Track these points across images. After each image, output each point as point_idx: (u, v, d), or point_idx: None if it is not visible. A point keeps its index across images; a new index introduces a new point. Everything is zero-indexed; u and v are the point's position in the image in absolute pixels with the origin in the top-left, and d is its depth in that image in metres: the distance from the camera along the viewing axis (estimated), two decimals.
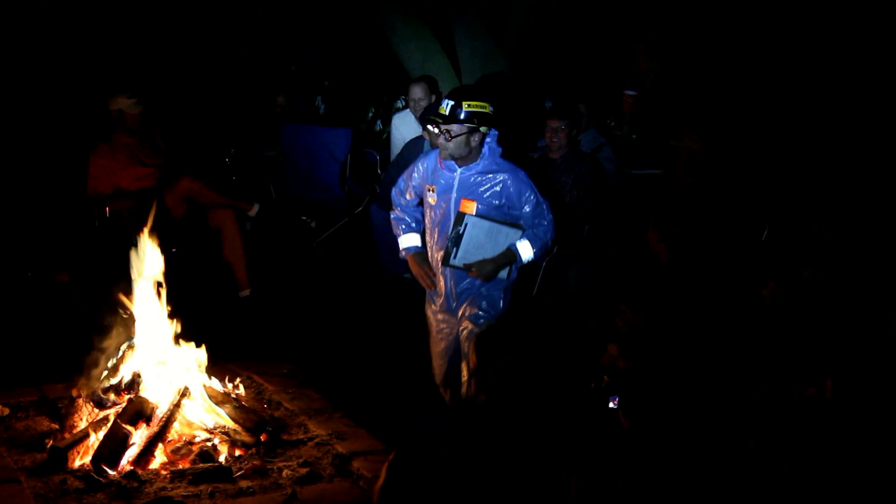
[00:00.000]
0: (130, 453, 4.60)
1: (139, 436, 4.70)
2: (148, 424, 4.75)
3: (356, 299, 7.63)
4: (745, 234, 5.80)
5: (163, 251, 5.02)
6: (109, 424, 4.73)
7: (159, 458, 4.68)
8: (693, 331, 4.20)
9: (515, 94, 8.78)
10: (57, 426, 4.94)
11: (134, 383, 5.03)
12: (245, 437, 4.86)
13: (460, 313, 5.02)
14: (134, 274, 4.98)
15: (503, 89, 8.56)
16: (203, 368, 5.18)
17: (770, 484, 3.42)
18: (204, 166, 8.25)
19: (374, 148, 9.60)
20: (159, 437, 4.73)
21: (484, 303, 4.95)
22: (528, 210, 4.82)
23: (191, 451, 4.73)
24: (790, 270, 4.67)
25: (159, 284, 5.02)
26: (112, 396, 4.99)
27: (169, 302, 5.07)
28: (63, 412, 5.03)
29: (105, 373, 5.05)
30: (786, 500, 3.42)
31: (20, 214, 7.56)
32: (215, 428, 4.89)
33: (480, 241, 4.74)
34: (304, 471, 4.57)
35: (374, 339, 6.71)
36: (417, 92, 7.70)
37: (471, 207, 4.76)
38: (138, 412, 4.76)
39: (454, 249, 4.76)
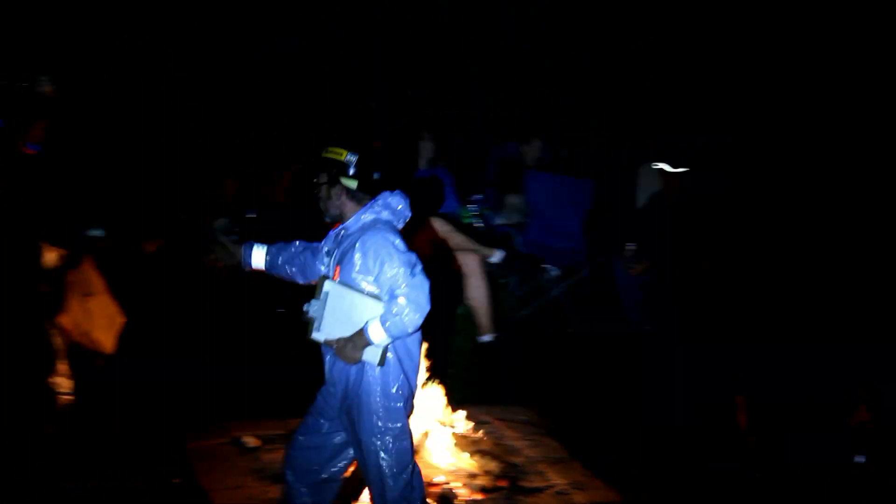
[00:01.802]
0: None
1: None
2: None
3: (596, 348, 7.54)
4: None
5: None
6: (354, 462, 4.89)
7: None
8: None
9: None
10: None
11: None
12: (484, 482, 4.90)
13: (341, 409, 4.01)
14: None
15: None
16: (445, 411, 5.28)
17: None
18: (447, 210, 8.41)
19: None
20: None
21: (366, 415, 3.89)
22: (384, 277, 3.78)
23: (430, 493, 4.78)
24: None
25: None
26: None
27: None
28: None
29: None
30: None
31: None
32: (456, 471, 4.97)
33: (344, 313, 3.85)
34: None
35: (613, 390, 6.60)
36: None
37: (337, 274, 3.97)
38: None
39: (315, 321, 3.91)
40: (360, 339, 3.75)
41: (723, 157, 7.01)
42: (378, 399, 3.84)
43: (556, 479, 5.00)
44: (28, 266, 4.87)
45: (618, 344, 7.39)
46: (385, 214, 3.95)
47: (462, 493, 4.82)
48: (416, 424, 5.03)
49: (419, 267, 3.79)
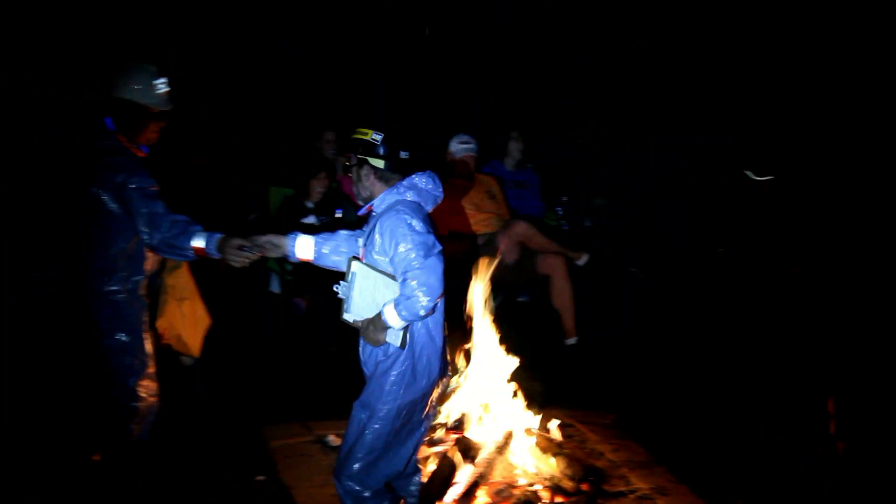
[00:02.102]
0: (455, 492, 4.71)
1: (463, 475, 4.82)
2: (473, 464, 4.87)
3: (682, 351, 7.42)
4: None
5: (495, 295, 5.14)
6: (437, 462, 4.92)
7: (482, 498, 4.75)
8: None
9: None
10: None
11: (462, 422, 5.21)
12: (567, 486, 4.86)
13: None
14: (472, 314, 5.14)
15: None
16: (529, 413, 5.26)
17: None
18: (536, 212, 8.38)
19: None
20: (483, 478, 4.82)
21: (370, 387, 3.96)
22: (398, 258, 3.75)
23: (512, 495, 4.77)
24: None
25: (494, 327, 5.17)
26: (439, 434, 5.18)
27: (502, 343, 5.18)
28: None
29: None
30: None
31: None
32: (538, 474, 4.94)
33: (370, 294, 3.86)
34: None
35: (699, 395, 6.47)
36: None
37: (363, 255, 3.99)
38: (464, 451, 4.91)
39: (344, 301, 3.95)
40: (379, 321, 3.75)
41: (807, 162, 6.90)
42: (377, 375, 3.88)
43: (640, 484, 4.95)
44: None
45: (702, 346, 7.28)
46: (410, 195, 3.91)
47: (544, 496, 4.78)
48: (499, 426, 5.03)
49: (437, 249, 3.75)
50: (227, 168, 8.68)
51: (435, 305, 3.73)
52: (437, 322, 3.95)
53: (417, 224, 3.77)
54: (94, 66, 8.02)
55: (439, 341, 3.98)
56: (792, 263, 6.85)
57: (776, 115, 8.97)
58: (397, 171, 3.95)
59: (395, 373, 3.86)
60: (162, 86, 4.66)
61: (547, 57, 10.09)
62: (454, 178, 7.66)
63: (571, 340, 7.39)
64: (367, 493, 3.93)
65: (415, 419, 4.00)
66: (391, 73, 10.04)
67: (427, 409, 4.04)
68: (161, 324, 4.89)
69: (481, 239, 7.43)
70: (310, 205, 7.11)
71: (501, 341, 5.17)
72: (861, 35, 8.52)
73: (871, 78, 8.21)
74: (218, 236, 4.33)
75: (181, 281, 4.97)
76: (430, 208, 3.98)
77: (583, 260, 7.59)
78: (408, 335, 3.81)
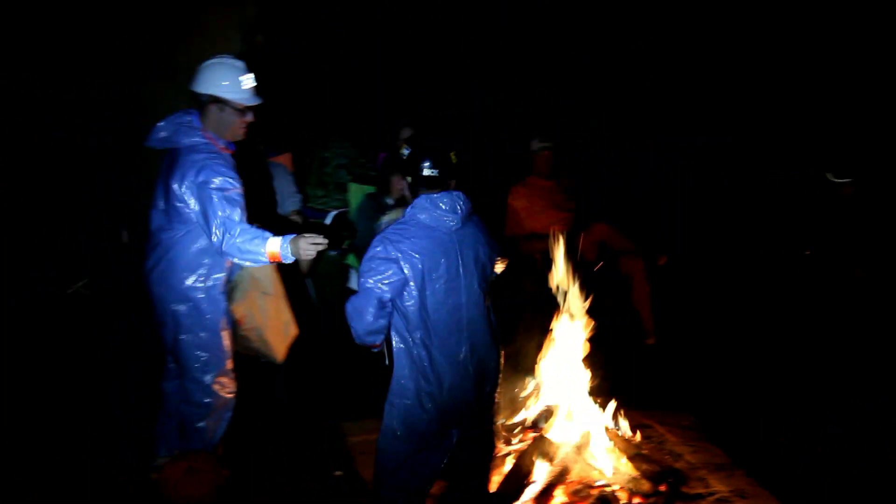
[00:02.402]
0: (532, 491, 4.71)
1: (541, 474, 4.81)
2: (551, 463, 4.86)
3: (762, 353, 7.32)
4: None
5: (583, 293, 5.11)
6: (515, 461, 4.95)
7: (559, 498, 4.75)
8: None
9: None
10: None
11: (540, 422, 5.22)
12: (644, 487, 4.84)
13: None
14: (560, 314, 5.13)
15: None
16: (608, 414, 5.25)
17: None
18: (616, 213, 8.33)
19: None
20: (560, 477, 4.80)
21: None
22: None
23: (590, 495, 4.75)
24: None
25: (577, 326, 5.16)
26: (517, 433, 5.20)
27: (581, 344, 5.15)
28: None
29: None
30: None
31: None
32: (615, 474, 4.93)
33: None
34: None
35: (780, 397, 6.38)
36: None
37: None
38: (543, 451, 4.90)
39: None
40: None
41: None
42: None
43: (718, 487, 4.91)
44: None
45: (784, 347, 7.17)
46: (423, 216, 4.03)
47: (621, 496, 4.76)
48: (577, 426, 5.03)
49: (369, 281, 3.98)
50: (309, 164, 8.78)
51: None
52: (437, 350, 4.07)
53: (378, 251, 3.96)
54: (95, 66, 8.10)
55: (443, 374, 4.10)
56: (856, 265, 6.74)
57: (775, 114, 8.89)
58: (420, 187, 4.04)
59: (395, 385, 4.21)
60: (249, 81, 4.69)
61: (547, 57, 10.04)
62: (534, 176, 7.64)
63: (650, 341, 7.36)
64: None
65: None
66: (391, 73, 10.01)
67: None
68: (239, 310, 4.92)
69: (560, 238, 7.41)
70: (390, 201, 7.19)
71: (580, 341, 5.16)
72: (861, 35, 8.36)
73: (869, 78, 8.07)
74: (290, 237, 4.38)
75: (266, 274, 4.99)
76: (445, 230, 4.03)
77: (663, 261, 7.55)
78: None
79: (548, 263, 5.14)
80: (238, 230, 4.40)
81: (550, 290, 5.12)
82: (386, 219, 7.01)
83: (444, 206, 4.00)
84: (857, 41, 8.52)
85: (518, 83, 9.96)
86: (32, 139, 7.68)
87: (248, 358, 5.01)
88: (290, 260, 4.39)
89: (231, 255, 4.45)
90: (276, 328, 4.97)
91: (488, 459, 4.40)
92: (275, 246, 4.37)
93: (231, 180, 4.50)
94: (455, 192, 4.05)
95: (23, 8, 7.84)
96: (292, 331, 5.07)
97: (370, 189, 7.48)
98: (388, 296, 3.94)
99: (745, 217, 8.99)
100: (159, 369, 5.02)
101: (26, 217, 7.46)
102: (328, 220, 7.71)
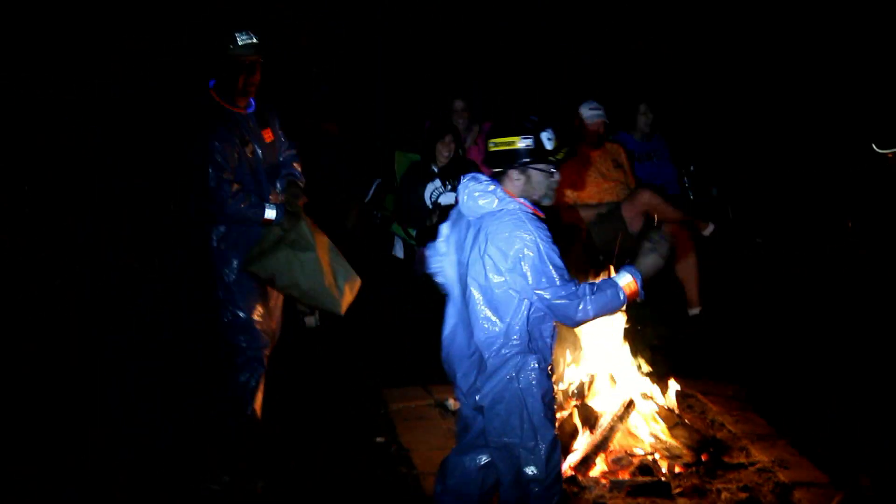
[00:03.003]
0: (573, 458, 4.68)
1: (582, 442, 4.80)
2: (592, 432, 4.85)
3: (806, 323, 7.22)
4: None
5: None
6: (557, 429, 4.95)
7: (600, 466, 4.73)
8: None
9: None
10: None
11: (582, 390, 5.21)
12: (686, 456, 4.82)
13: None
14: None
15: None
16: (651, 383, 5.25)
17: None
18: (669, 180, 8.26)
19: None
20: (601, 446, 4.78)
21: None
22: None
23: (631, 464, 4.74)
24: None
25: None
26: (559, 401, 5.22)
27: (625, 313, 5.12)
28: None
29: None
30: None
31: None
32: (657, 443, 4.93)
33: None
34: (742, 495, 4.48)
35: (822, 367, 6.29)
36: None
37: None
38: (584, 419, 4.88)
39: None
40: None
41: None
42: None
43: (760, 457, 4.88)
44: None
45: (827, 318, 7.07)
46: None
47: (663, 465, 4.75)
48: (619, 395, 5.04)
49: None
50: (354, 134, 8.80)
51: None
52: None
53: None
54: (95, 65, 7.99)
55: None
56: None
57: (776, 115, 8.80)
58: (525, 159, 3.54)
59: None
60: (245, 37, 4.80)
61: (547, 57, 9.96)
62: (582, 145, 7.59)
63: (695, 311, 7.31)
64: None
65: None
66: (391, 73, 10.03)
67: None
68: (265, 270, 4.93)
69: (606, 208, 7.37)
70: (435, 169, 7.19)
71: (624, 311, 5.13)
72: (861, 35, 8.21)
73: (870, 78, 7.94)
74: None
75: (301, 234, 4.94)
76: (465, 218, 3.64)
77: (709, 230, 7.47)
78: None
79: (594, 233, 5.11)
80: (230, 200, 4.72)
81: (595, 259, 5.10)
82: (431, 186, 7.02)
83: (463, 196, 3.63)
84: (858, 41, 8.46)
85: (518, 83, 9.93)
86: (32, 139, 7.62)
87: (292, 325, 5.03)
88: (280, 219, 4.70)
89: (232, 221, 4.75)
90: (323, 282, 4.83)
91: None
92: (271, 213, 4.76)
93: (220, 145, 4.75)
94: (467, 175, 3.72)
95: (23, 8, 7.82)
96: (354, 281, 4.94)
97: (415, 157, 7.49)
98: None
99: (788, 189, 8.89)
100: (159, 370, 5.18)
101: (26, 217, 7.43)
102: (371, 191, 7.75)
